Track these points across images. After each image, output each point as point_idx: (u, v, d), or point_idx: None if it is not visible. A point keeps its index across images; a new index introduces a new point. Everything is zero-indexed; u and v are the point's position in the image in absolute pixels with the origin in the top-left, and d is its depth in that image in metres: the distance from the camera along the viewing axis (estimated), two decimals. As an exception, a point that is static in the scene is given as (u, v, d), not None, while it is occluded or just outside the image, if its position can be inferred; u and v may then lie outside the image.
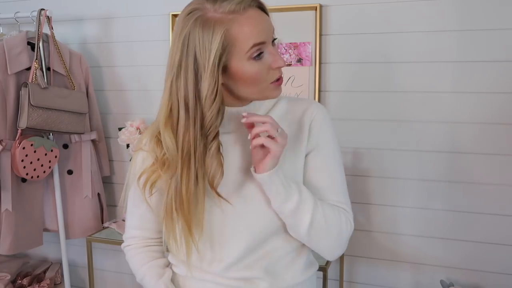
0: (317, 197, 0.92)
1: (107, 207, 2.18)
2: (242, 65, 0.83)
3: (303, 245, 0.97)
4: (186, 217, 0.87)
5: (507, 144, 1.67)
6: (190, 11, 0.82)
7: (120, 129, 1.97)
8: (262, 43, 0.83)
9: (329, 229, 0.90)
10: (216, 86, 0.81)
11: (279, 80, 0.88)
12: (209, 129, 0.83)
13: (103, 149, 2.14)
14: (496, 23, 1.62)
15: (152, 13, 2.05)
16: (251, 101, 0.94)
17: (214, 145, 0.85)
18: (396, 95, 1.77)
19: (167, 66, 0.86)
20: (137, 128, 1.93)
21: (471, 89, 1.68)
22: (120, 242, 1.85)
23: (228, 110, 0.91)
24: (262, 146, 0.84)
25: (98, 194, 2.09)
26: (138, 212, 1.02)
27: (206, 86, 0.81)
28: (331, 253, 0.95)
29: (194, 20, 0.81)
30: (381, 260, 1.87)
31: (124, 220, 2.01)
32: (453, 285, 1.71)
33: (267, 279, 0.94)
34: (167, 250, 1.04)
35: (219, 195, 0.86)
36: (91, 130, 2.06)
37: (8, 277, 2.10)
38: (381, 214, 1.85)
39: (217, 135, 0.85)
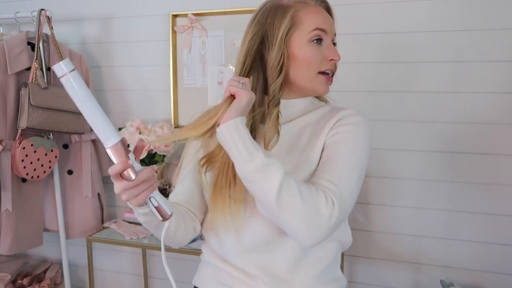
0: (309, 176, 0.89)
1: (107, 207, 2.18)
2: (301, 45, 0.91)
3: (322, 255, 0.94)
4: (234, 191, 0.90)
5: (507, 144, 1.67)
6: (268, 1, 0.96)
7: (120, 129, 1.97)
8: (324, 30, 0.93)
9: (303, 197, 0.79)
10: (283, 58, 0.90)
11: (329, 75, 0.95)
12: (272, 98, 0.92)
13: (103, 149, 2.14)
14: (503, 23, 1.62)
15: (152, 13, 2.05)
16: (301, 96, 0.98)
17: (274, 112, 0.91)
18: (396, 95, 1.77)
19: (241, 45, 0.95)
20: (137, 128, 1.92)
21: (471, 89, 1.68)
22: (120, 242, 1.88)
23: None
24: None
25: (98, 194, 2.09)
26: (183, 189, 1.01)
27: (273, 58, 0.91)
28: (308, 232, 0.80)
29: (270, 6, 0.94)
30: (381, 260, 1.87)
31: (124, 220, 2.02)
32: (453, 285, 1.71)
33: (267, 279, 0.92)
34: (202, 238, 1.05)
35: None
36: (91, 130, 2.06)
37: (8, 277, 2.10)
38: (381, 214, 1.85)
39: (278, 103, 0.92)
